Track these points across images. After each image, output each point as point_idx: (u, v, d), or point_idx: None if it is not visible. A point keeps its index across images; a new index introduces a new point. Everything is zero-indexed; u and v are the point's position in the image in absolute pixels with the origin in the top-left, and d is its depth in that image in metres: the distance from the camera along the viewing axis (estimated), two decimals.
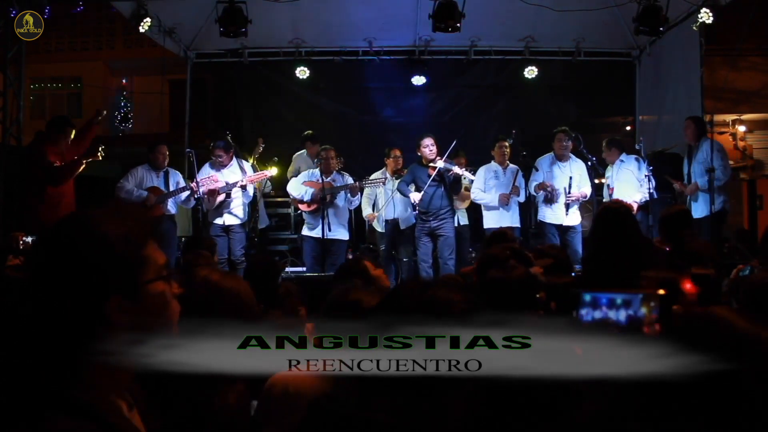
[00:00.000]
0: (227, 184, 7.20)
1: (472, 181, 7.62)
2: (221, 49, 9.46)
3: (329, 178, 7.27)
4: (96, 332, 1.16)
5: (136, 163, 7.31)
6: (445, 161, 7.09)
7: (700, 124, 7.35)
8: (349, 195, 7.28)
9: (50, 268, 1.18)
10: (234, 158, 7.38)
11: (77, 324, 1.16)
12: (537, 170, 7.49)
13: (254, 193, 7.60)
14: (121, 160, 10.21)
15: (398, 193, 7.56)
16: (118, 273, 1.18)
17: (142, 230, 1.25)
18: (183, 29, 8.85)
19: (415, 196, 7.12)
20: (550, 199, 7.36)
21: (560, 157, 7.48)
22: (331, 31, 9.25)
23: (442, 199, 7.17)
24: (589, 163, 7.65)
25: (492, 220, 7.51)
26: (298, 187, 7.46)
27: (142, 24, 7.69)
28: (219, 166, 7.30)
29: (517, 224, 7.56)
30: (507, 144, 7.62)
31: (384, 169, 7.96)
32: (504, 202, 7.42)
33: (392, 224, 7.79)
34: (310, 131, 8.80)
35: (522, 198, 7.56)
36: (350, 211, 7.81)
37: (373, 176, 7.85)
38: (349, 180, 7.41)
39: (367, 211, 8.06)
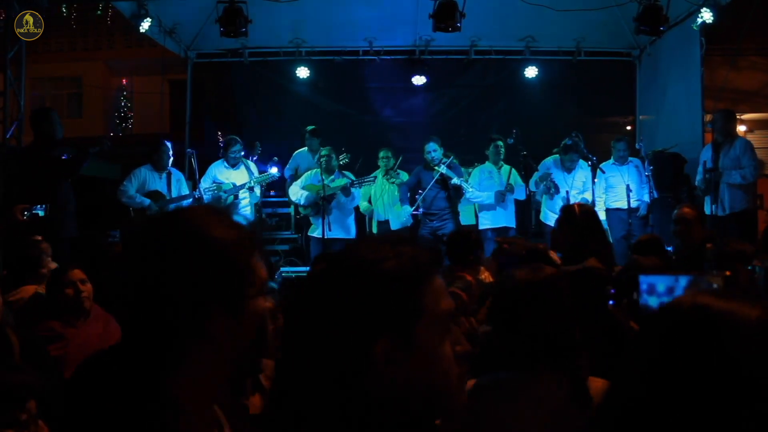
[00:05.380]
0: (234, 186, 7.23)
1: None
2: (221, 48, 9.46)
3: (330, 178, 7.32)
4: (190, 351, 1.05)
5: (136, 164, 7.29)
6: (447, 167, 7.20)
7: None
8: (342, 196, 7.32)
9: (149, 272, 1.06)
10: (241, 159, 7.46)
11: (172, 337, 1.05)
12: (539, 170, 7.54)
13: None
14: (121, 160, 10.21)
15: (387, 194, 7.68)
16: (226, 285, 1.05)
17: (250, 238, 1.11)
18: (183, 29, 8.85)
19: (407, 210, 7.47)
20: (549, 191, 7.38)
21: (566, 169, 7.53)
22: (332, 31, 9.26)
23: (443, 201, 7.31)
24: (590, 162, 7.65)
25: (488, 220, 7.54)
26: (296, 192, 7.54)
27: (142, 24, 7.69)
28: (231, 165, 7.39)
29: (512, 224, 7.59)
30: (501, 144, 7.63)
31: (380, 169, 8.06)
32: (500, 200, 7.44)
33: (385, 225, 7.87)
34: (313, 126, 8.76)
35: (522, 196, 7.57)
36: (353, 210, 7.84)
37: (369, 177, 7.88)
38: (345, 179, 7.46)
39: (366, 208, 8.19)
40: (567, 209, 3.84)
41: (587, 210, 3.87)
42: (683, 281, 1.54)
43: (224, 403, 1.22)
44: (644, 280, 1.58)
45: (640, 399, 0.84)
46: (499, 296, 1.91)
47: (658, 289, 1.58)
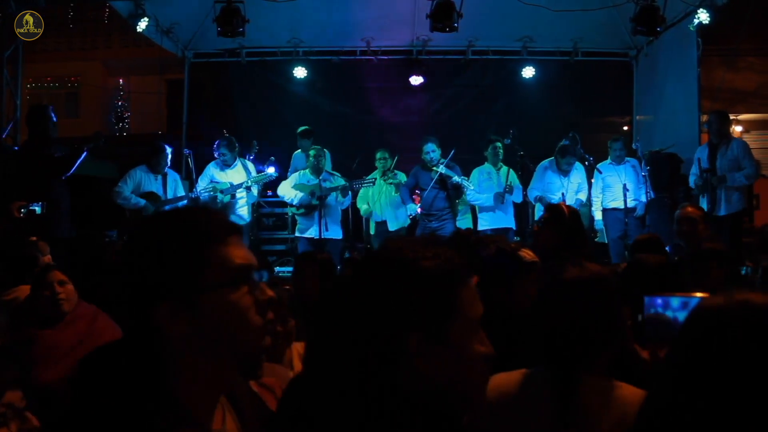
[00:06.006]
0: (232, 185, 7.21)
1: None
2: (219, 48, 9.46)
3: (320, 178, 7.25)
4: (152, 341, 1.04)
5: (134, 164, 7.27)
6: (446, 167, 7.18)
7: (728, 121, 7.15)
8: (339, 196, 7.28)
9: (124, 262, 1.10)
10: (237, 158, 7.41)
11: (133, 331, 1.06)
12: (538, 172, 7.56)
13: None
14: (119, 159, 10.18)
15: (384, 195, 7.67)
16: (168, 274, 1.03)
17: (209, 226, 1.07)
18: (181, 29, 8.85)
19: (413, 208, 7.39)
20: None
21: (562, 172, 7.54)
22: (329, 31, 9.25)
23: (443, 201, 7.29)
24: (587, 163, 7.66)
25: (487, 222, 7.53)
26: (288, 191, 7.41)
27: (139, 24, 7.68)
28: (224, 166, 7.33)
29: (512, 225, 7.58)
30: (499, 145, 7.63)
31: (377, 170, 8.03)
32: (500, 201, 7.45)
33: (383, 226, 7.86)
34: (304, 127, 8.74)
35: (519, 198, 7.57)
36: (345, 210, 7.82)
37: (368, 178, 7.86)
38: (339, 179, 7.41)
39: (366, 210, 8.16)
40: (554, 209, 3.83)
41: (574, 211, 3.88)
42: (695, 301, 1.53)
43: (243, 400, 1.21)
44: (651, 301, 1.56)
45: (685, 405, 0.85)
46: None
47: (672, 304, 1.56)
